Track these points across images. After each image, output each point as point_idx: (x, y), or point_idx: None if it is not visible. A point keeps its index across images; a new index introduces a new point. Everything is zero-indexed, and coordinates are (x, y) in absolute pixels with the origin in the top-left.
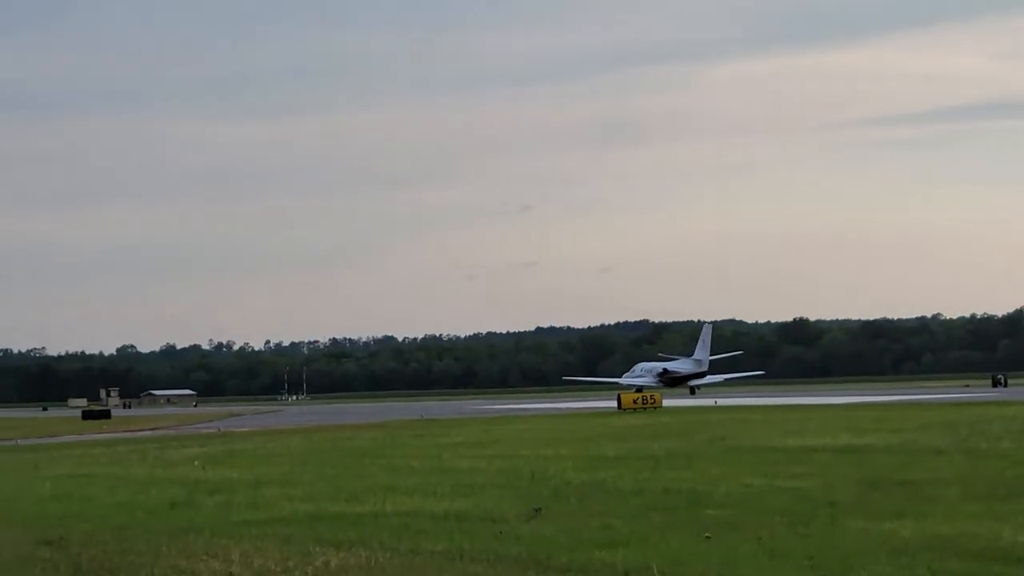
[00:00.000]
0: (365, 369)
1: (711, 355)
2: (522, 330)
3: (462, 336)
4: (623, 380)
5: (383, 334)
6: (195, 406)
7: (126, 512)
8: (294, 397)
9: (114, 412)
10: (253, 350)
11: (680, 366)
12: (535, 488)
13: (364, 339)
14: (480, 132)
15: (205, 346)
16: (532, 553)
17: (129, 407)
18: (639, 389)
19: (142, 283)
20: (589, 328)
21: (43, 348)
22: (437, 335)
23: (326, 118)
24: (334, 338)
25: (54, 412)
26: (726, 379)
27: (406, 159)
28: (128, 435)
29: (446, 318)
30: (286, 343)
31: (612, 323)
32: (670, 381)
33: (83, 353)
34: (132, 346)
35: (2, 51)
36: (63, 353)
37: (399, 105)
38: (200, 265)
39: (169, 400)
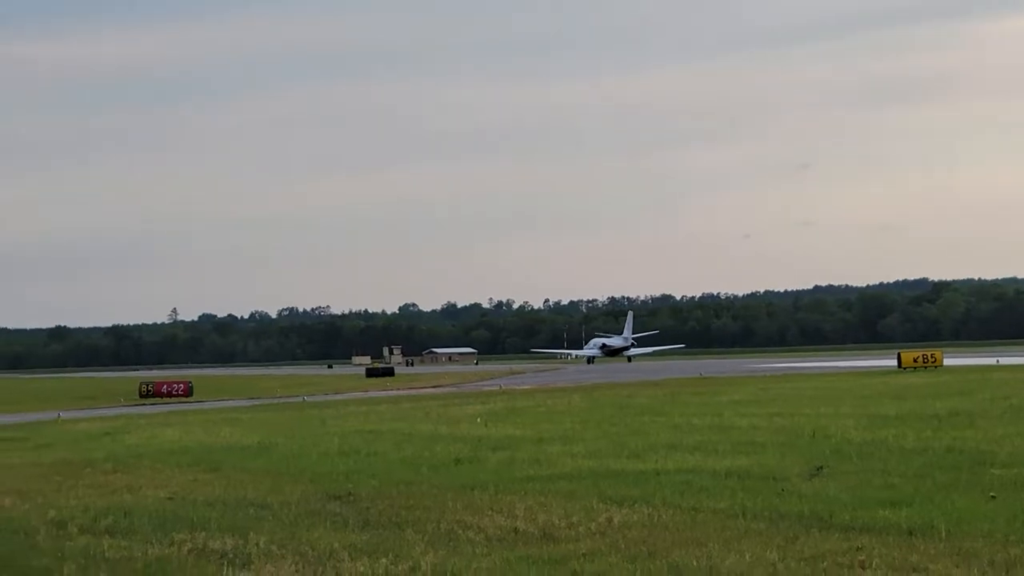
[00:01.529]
0: (644, 326)
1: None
2: (800, 288)
3: (739, 295)
4: (577, 352)
5: (661, 292)
6: (476, 363)
7: (412, 468)
8: (573, 355)
9: (397, 370)
10: (532, 308)
11: (615, 341)
12: (816, 446)
13: (642, 297)
14: (757, 92)
15: (485, 304)
16: (814, 511)
17: (412, 364)
18: (590, 359)
19: (424, 243)
20: (868, 286)
21: (328, 307)
22: (715, 293)
23: (604, 80)
24: (612, 296)
25: (339, 369)
26: (653, 351)
27: (685, 119)
28: (412, 392)
29: (724, 276)
30: (565, 301)
31: (891, 281)
32: (610, 352)
33: (366, 311)
34: (414, 304)
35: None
36: (347, 311)
37: (675, 66)
38: (480, 224)
39: (451, 358)
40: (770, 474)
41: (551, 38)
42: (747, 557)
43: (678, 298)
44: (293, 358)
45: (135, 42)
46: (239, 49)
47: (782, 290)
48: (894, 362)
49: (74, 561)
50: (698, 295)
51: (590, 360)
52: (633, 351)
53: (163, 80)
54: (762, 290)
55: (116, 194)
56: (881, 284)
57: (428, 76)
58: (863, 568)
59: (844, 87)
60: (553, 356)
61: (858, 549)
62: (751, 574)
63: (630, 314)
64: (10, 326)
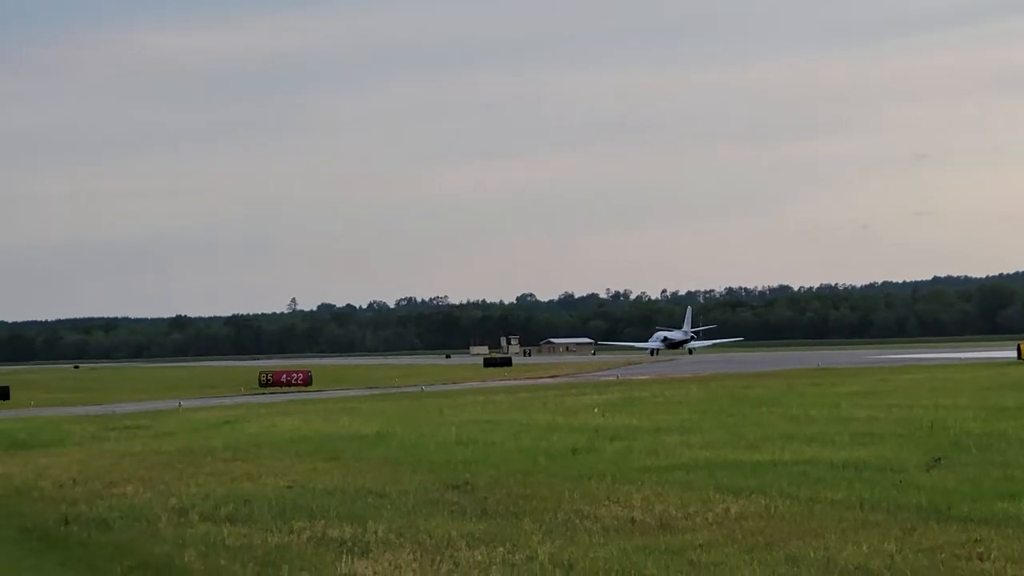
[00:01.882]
0: (760, 318)
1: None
2: (919, 279)
3: (858, 285)
4: (641, 345)
5: (778, 283)
6: (593, 354)
7: (529, 457)
8: (639, 348)
9: (514, 359)
10: (649, 299)
11: (676, 335)
12: (934, 438)
13: (759, 288)
14: (874, 81)
15: (602, 295)
16: (932, 503)
17: (529, 355)
18: (653, 352)
19: (542, 233)
20: (987, 277)
21: (445, 296)
22: (832, 284)
23: (722, 69)
24: (729, 287)
25: (456, 359)
26: (712, 343)
27: (805, 108)
28: (529, 382)
29: (841, 267)
30: (682, 292)
31: (1011, 272)
32: (671, 345)
33: (484, 301)
34: (532, 294)
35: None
36: (465, 301)
37: (794, 55)
38: (597, 214)
39: (568, 348)
40: (888, 465)
41: (668, 26)
42: (864, 548)
43: (796, 289)
44: (411, 348)
45: (255, 33)
46: (360, 38)
47: (900, 281)
48: (1014, 353)
49: (194, 548)
50: (816, 286)
51: (653, 352)
52: (694, 344)
53: (283, 70)
54: (880, 281)
55: (237, 184)
56: (1001, 275)
57: (547, 65)
58: (981, 560)
59: (964, 76)
60: (623, 348)
61: (976, 541)
62: (868, 565)
63: (689, 309)
64: (132, 315)
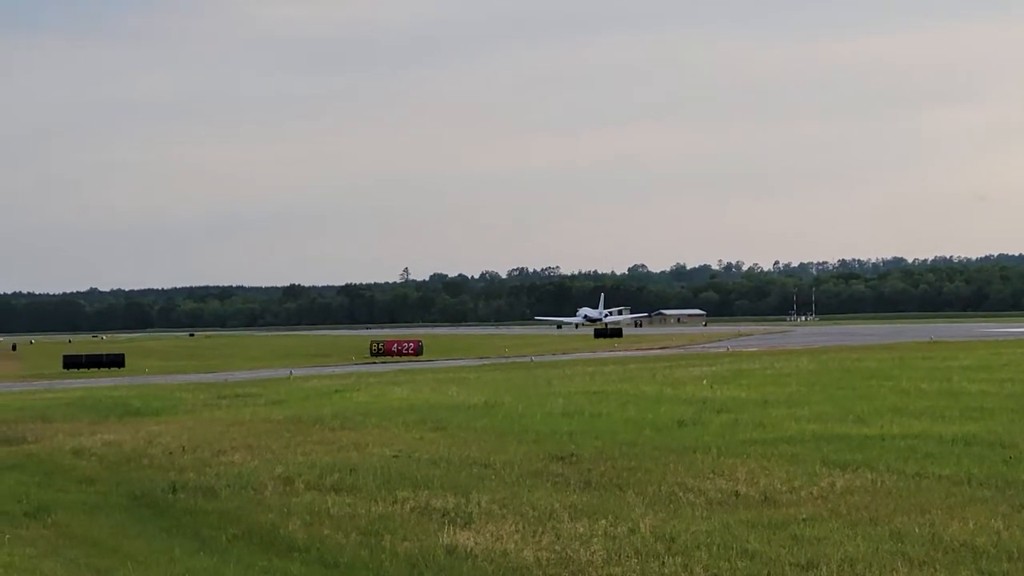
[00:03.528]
0: (874, 290)
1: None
2: None
3: (973, 258)
4: (569, 319)
5: (892, 255)
6: (704, 325)
7: (635, 429)
8: (803, 318)
9: (625, 331)
10: (762, 271)
11: (592, 313)
12: None
13: (873, 260)
14: (991, 52)
15: (715, 266)
16: None
17: (640, 326)
18: (576, 326)
19: (654, 203)
20: None
21: (557, 267)
22: (947, 257)
23: (842, 40)
24: (843, 259)
25: (567, 330)
26: (630, 319)
27: (917, 80)
28: (638, 353)
29: (956, 239)
30: (795, 264)
31: None
32: (591, 320)
33: (595, 272)
34: (643, 265)
35: None
36: (576, 272)
37: (917, 26)
38: (710, 185)
39: (679, 319)
40: (999, 441)
41: None
42: (971, 525)
43: (910, 261)
44: (522, 318)
45: (369, 4)
46: (476, 11)
47: (1016, 254)
48: None
49: (299, 517)
50: (930, 258)
51: (577, 326)
52: (608, 319)
53: (396, 41)
54: (996, 253)
55: (350, 155)
56: None
57: (663, 34)
58: None
59: None
60: (552, 323)
61: None
62: (974, 542)
63: (602, 295)
64: (247, 284)
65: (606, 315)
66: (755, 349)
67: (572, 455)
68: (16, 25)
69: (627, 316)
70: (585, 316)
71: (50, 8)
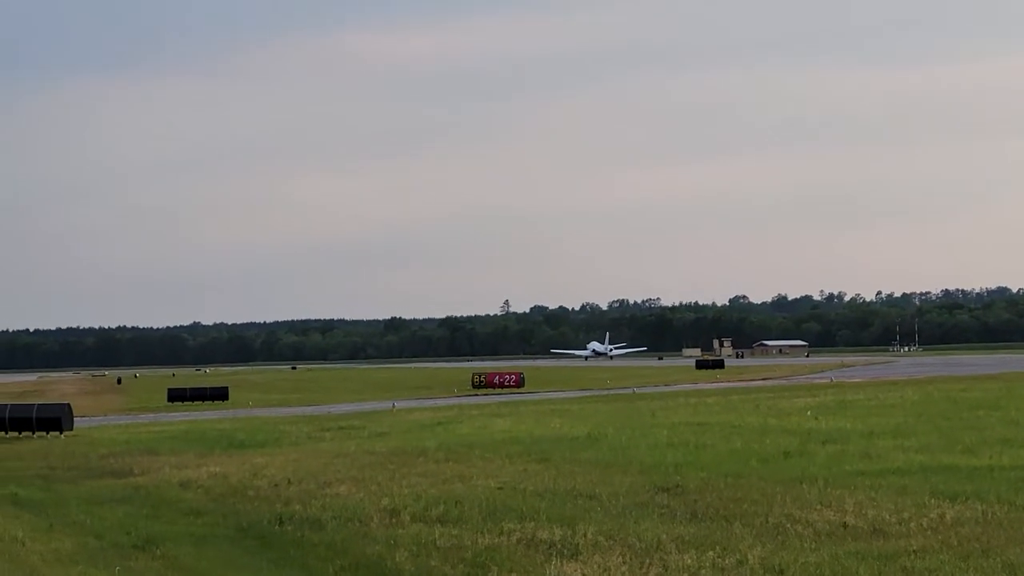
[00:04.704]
0: (978, 320)
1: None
2: None
3: None
4: (579, 352)
5: (997, 285)
6: (807, 356)
7: (740, 460)
8: (906, 348)
9: (727, 362)
10: (864, 301)
11: (599, 347)
12: None
13: (977, 290)
14: None
15: (816, 296)
16: None
17: (741, 357)
18: (586, 358)
19: (754, 234)
20: None
21: (658, 299)
22: None
23: (931, 67)
24: (946, 289)
25: (669, 361)
26: (626, 352)
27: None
28: (741, 384)
29: None
30: (897, 294)
31: None
32: (598, 354)
33: (696, 303)
34: (744, 296)
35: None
36: (677, 303)
37: (1003, 55)
38: (811, 215)
39: (781, 350)
40: None
41: (877, 25)
42: None
43: (1015, 290)
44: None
45: (455, 38)
46: (561, 45)
47: None
48: None
49: (406, 549)
50: None
51: (586, 359)
52: (613, 353)
53: (496, 74)
54: None
55: (450, 187)
56: None
57: (751, 66)
58: None
59: None
60: (568, 355)
61: None
62: None
63: (607, 334)
64: (348, 317)
65: (611, 350)
66: (859, 380)
67: (678, 486)
68: (119, 65)
69: (622, 350)
70: (593, 350)
71: (149, 49)
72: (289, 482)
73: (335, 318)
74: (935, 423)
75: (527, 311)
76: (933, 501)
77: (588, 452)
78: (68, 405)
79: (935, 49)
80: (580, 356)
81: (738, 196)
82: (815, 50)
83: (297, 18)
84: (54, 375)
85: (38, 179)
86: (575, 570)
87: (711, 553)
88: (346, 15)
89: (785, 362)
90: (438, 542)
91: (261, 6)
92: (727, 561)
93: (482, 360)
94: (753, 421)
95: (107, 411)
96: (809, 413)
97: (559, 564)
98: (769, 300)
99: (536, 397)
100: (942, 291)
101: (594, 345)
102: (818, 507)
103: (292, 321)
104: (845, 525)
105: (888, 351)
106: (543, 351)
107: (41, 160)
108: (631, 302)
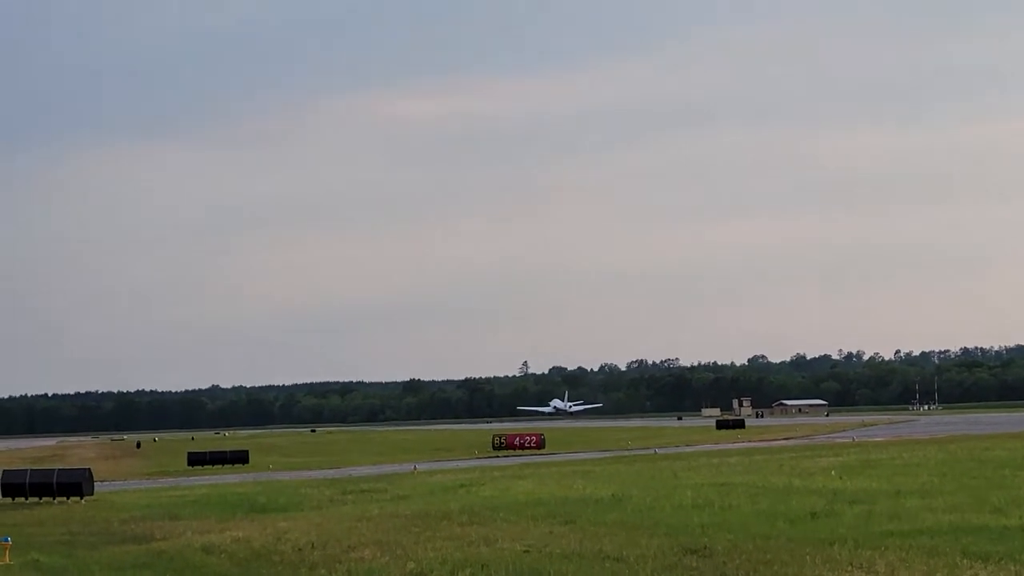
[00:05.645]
0: (997, 378)
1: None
2: None
3: None
4: (543, 409)
5: (1016, 343)
6: (827, 415)
7: (767, 521)
8: (925, 407)
9: (747, 422)
10: (883, 360)
11: (560, 405)
12: None
13: (996, 348)
14: None
15: (835, 356)
16: None
17: (761, 416)
18: (549, 414)
19: (772, 293)
20: None
21: (676, 359)
22: None
23: (955, 129)
24: (965, 347)
25: (688, 421)
26: (584, 408)
27: None
28: (762, 444)
29: None
30: (916, 352)
31: None
32: (558, 411)
33: (715, 363)
34: (763, 356)
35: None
36: (695, 363)
37: None
38: (825, 274)
39: (800, 410)
40: None
41: (906, 86)
42: None
43: None
44: (642, 410)
45: (483, 102)
46: (587, 106)
47: None
48: None
49: None
50: None
51: (549, 415)
52: (572, 409)
53: (513, 136)
54: None
55: (467, 249)
56: None
57: (776, 126)
58: None
59: None
60: (533, 412)
61: None
62: None
63: (566, 391)
64: (367, 380)
65: (570, 407)
66: (881, 439)
67: (705, 548)
68: (144, 133)
69: (583, 407)
70: (554, 407)
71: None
72: (313, 546)
73: (354, 380)
74: (962, 482)
75: (546, 372)
76: (965, 562)
77: (613, 514)
78: (89, 470)
79: (953, 110)
80: (544, 412)
81: (756, 256)
82: (833, 110)
83: (313, 80)
84: (73, 439)
85: (53, 245)
86: None
87: None
88: (361, 74)
89: (806, 422)
90: None
91: (273, 70)
92: None
93: (501, 421)
94: (778, 481)
95: (127, 475)
96: (834, 473)
97: None
98: (788, 360)
99: (557, 458)
100: (961, 349)
101: (555, 403)
102: (849, 569)
103: (311, 383)
104: None
105: (908, 410)
106: (512, 414)
107: (58, 225)
108: (649, 362)
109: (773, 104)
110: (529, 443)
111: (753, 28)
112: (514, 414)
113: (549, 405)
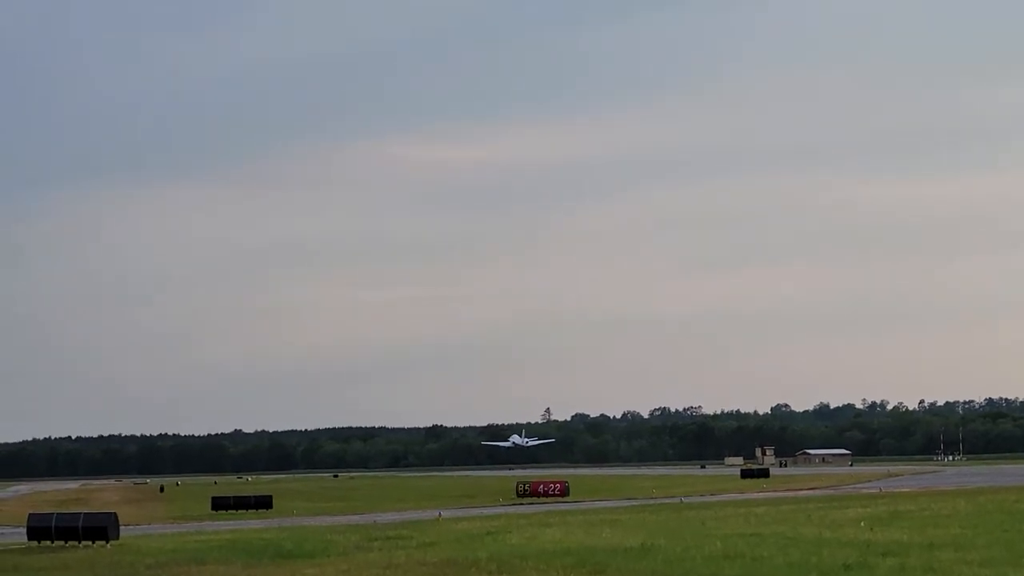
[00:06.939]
0: (1022, 429)
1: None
2: None
3: None
4: (504, 444)
5: None
6: (850, 465)
7: (801, 573)
8: (950, 457)
9: (771, 471)
10: (907, 409)
11: (518, 441)
12: None
13: (1021, 398)
14: None
15: (859, 405)
16: None
17: (785, 465)
18: (507, 450)
19: (795, 342)
20: None
21: (699, 407)
22: None
23: (969, 174)
24: (990, 398)
25: (712, 470)
26: (539, 443)
27: None
28: (789, 494)
29: None
30: (940, 402)
31: None
32: (517, 446)
33: (738, 412)
34: (786, 405)
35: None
36: (719, 412)
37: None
38: (851, 323)
39: (824, 459)
40: None
41: (916, 132)
42: None
43: None
44: (665, 458)
45: (504, 146)
46: (614, 151)
47: None
48: None
49: None
50: None
51: (507, 449)
52: (528, 444)
53: (535, 181)
54: None
55: (490, 295)
56: None
57: (791, 175)
58: None
59: None
60: (494, 446)
61: None
62: None
63: (524, 430)
64: (389, 425)
65: (527, 442)
66: (908, 489)
67: None
68: (164, 173)
69: (537, 442)
70: (513, 442)
71: (163, 153)
72: None
73: (376, 426)
74: (994, 535)
75: (568, 419)
76: None
77: (642, 563)
78: (114, 514)
79: (976, 160)
80: (503, 447)
81: (779, 305)
82: (855, 159)
83: (339, 125)
84: (96, 483)
85: (77, 285)
86: None
87: None
88: (377, 120)
89: (831, 471)
90: None
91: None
92: None
93: (524, 468)
94: (807, 532)
95: (152, 519)
96: (863, 524)
97: None
98: (811, 409)
99: (582, 507)
100: (985, 400)
101: (514, 438)
102: None
103: (333, 429)
104: None
105: (932, 460)
106: (589, 459)
107: (79, 265)
108: (672, 410)
109: (791, 148)
110: (553, 490)
111: (788, 72)
112: (536, 461)
113: (509, 440)
